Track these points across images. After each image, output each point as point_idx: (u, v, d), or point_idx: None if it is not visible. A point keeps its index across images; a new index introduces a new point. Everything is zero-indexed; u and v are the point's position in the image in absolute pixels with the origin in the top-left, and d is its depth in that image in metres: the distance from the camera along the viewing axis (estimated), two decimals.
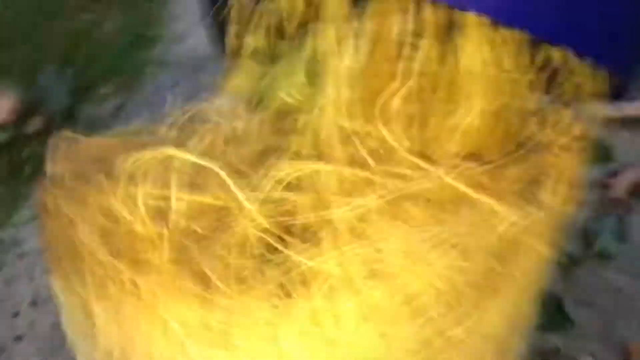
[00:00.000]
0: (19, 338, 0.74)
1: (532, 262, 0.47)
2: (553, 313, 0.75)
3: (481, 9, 0.39)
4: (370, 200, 0.41)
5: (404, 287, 0.41)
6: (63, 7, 1.48)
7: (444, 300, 0.42)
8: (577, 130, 0.45)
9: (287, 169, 0.42)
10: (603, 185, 1.01)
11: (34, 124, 1.09)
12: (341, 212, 0.41)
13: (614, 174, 1.03)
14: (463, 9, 0.40)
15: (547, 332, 0.74)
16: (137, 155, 0.42)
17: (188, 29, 1.41)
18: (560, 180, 0.45)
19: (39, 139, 1.06)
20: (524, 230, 0.45)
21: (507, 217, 0.42)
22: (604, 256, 0.85)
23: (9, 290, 0.80)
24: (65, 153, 0.52)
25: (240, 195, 0.40)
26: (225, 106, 0.53)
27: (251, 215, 0.41)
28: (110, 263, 0.42)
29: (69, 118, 1.17)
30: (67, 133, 0.54)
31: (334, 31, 0.44)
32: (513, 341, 0.53)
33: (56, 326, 0.67)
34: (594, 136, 0.47)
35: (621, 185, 1.01)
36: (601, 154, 1.00)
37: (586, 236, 0.87)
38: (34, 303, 0.78)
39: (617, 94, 0.46)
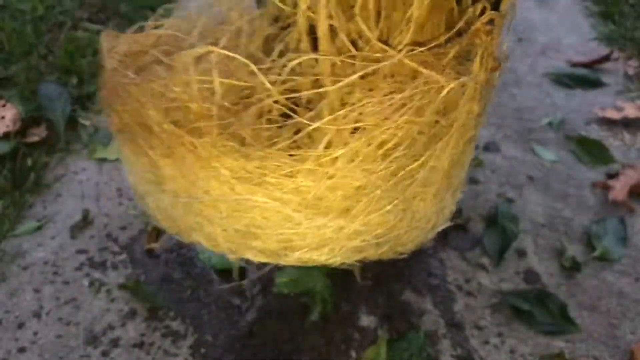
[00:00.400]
0: (22, 350, 0.73)
1: (466, 116, 0.65)
2: (557, 318, 0.78)
3: None
4: (353, 79, 0.58)
5: (377, 137, 0.58)
6: (65, 18, 1.44)
7: (404, 145, 0.60)
8: (495, 20, 0.61)
9: (293, 59, 0.58)
10: (604, 187, 1.01)
11: (37, 134, 1.09)
12: (333, 88, 0.58)
13: (615, 175, 1.02)
14: None
15: (551, 336, 0.76)
16: (189, 52, 0.57)
17: None
18: (485, 56, 0.62)
19: (41, 149, 1.06)
20: (460, 94, 0.63)
21: (447, 85, 0.59)
22: (606, 259, 0.87)
23: (12, 302, 0.79)
24: (113, 48, 0.67)
25: (264, 79, 0.57)
26: (235, 9, 0.68)
27: (271, 93, 0.58)
28: (174, 131, 0.59)
29: (70, 127, 1.15)
30: (110, 31, 0.68)
31: None
32: (455, 173, 0.73)
33: (60, 338, 0.75)
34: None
35: (622, 187, 0.99)
36: (601, 155, 1.07)
37: (588, 240, 0.90)
38: (37, 315, 0.77)
39: None
